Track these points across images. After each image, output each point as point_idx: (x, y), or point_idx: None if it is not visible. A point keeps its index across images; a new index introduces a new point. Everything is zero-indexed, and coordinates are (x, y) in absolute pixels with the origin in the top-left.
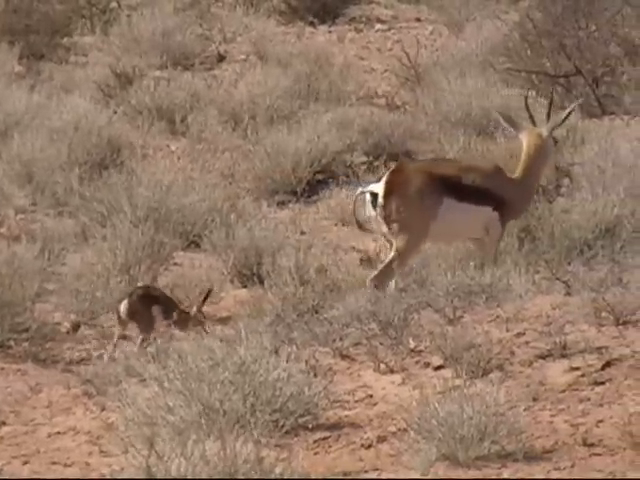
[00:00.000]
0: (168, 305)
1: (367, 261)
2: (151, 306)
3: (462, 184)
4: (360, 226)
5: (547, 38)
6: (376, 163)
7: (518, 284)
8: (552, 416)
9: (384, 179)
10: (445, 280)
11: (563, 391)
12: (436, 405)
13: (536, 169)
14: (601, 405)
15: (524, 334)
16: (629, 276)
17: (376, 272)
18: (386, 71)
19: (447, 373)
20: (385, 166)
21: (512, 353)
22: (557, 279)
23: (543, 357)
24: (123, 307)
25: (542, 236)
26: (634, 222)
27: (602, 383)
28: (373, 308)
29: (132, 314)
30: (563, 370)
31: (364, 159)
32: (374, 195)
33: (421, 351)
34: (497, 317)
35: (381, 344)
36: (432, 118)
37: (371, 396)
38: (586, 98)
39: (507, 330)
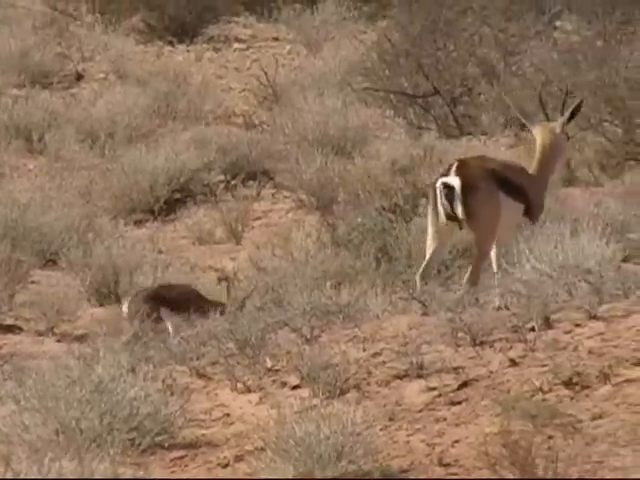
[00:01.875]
0: (182, 304)
1: (225, 280)
2: (158, 307)
3: (509, 181)
4: (449, 216)
5: (405, 58)
6: (234, 182)
7: (375, 304)
8: (408, 436)
9: (455, 172)
10: (302, 299)
11: (420, 411)
12: (293, 424)
13: (550, 164)
14: (457, 425)
15: (381, 354)
16: (485, 296)
17: (467, 274)
18: (244, 90)
19: (304, 392)
20: (243, 185)
21: (369, 373)
22: (414, 299)
23: (400, 377)
24: (125, 306)
25: (399, 256)
26: None
27: (458, 403)
28: (230, 327)
29: (133, 313)
30: (420, 390)
31: (222, 178)
32: (448, 187)
33: (278, 370)
34: (354, 337)
35: (238, 363)
36: (290, 137)
37: (228, 415)
38: (444, 118)
39: (364, 350)
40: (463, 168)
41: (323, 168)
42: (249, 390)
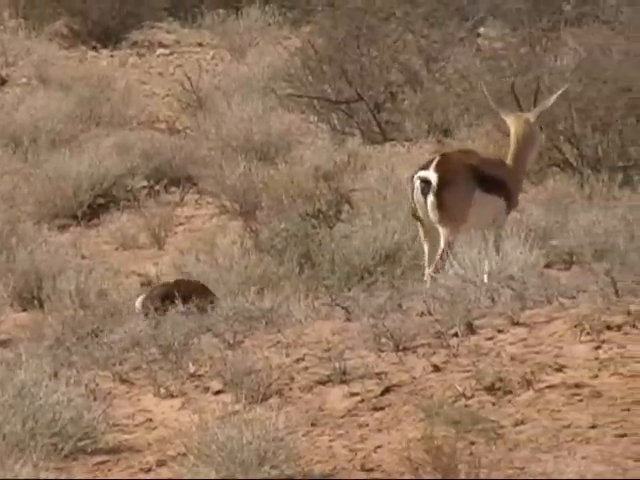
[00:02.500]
0: (194, 300)
1: (148, 285)
2: (171, 304)
3: (489, 176)
4: (415, 215)
5: (329, 64)
6: (157, 187)
7: (298, 309)
8: (331, 441)
9: (434, 167)
10: (225, 305)
11: (342, 416)
12: (216, 430)
13: (525, 155)
14: (380, 431)
15: (304, 359)
16: (409, 302)
17: (433, 266)
18: (168, 95)
19: (227, 398)
20: (166, 190)
21: (292, 378)
22: (337, 305)
23: (322, 383)
24: (138, 302)
25: (322, 262)
26: (414, 248)
27: (381, 409)
28: (153, 332)
29: (147, 310)
30: (342, 395)
31: (145, 183)
32: (425, 182)
33: (201, 376)
34: (277, 342)
35: (161, 368)
36: (213, 143)
37: (151, 420)
38: (367, 124)
39: (287, 355)
40: (443, 164)
41: (246, 174)
42: (172, 395)
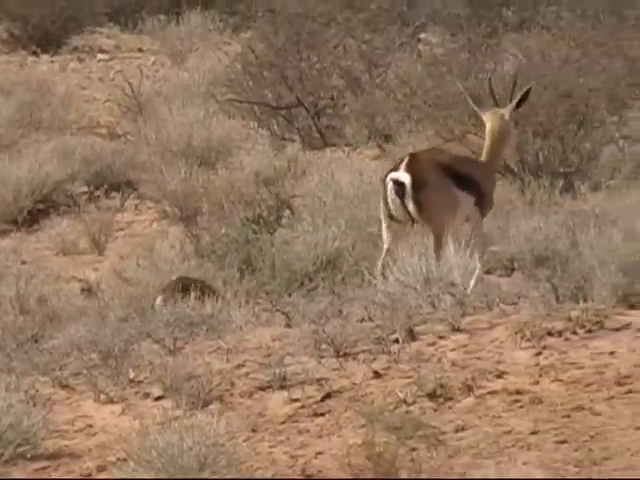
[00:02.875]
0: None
1: (88, 291)
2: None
3: (461, 173)
4: (400, 212)
5: (269, 69)
6: (97, 193)
7: (239, 315)
8: (271, 447)
9: (405, 167)
10: (166, 310)
11: (283, 422)
12: (156, 435)
13: (500, 150)
14: (320, 437)
15: (244, 365)
16: (349, 308)
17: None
18: (108, 101)
19: (167, 404)
20: (107, 196)
21: (232, 384)
22: (277, 310)
23: (263, 388)
24: (160, 299)
25: (263, 267)
26: (354, 254)
27: (322, 415)
28: (94, 338)
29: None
30: (283, 401)
31: (85, 189)
32: (398, 183)
33: (141, 381)
34: (218, 348)
35: (101, 374)
36: (154, 148)
37: (91, 426)
38: (307, 130)
39: (227, 361)
40: (413, 164)
41: (187, 179)
42: (112, 401)
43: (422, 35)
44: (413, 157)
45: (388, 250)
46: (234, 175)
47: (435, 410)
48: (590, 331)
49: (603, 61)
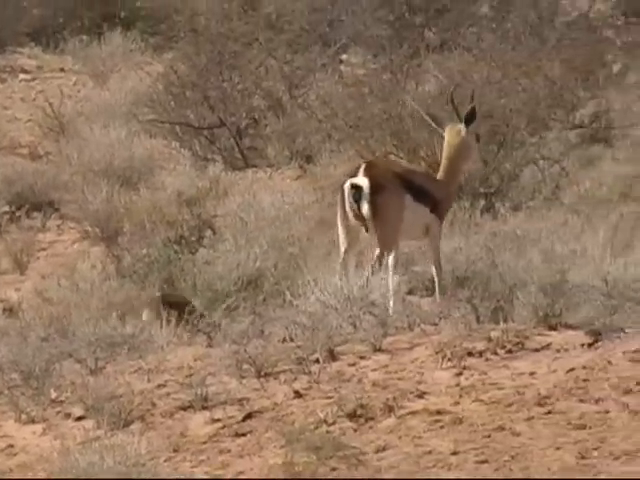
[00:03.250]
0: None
1: (9, 310)
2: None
3: (414, 183)
4: (356, 216)
5: (191, 90)
6: (19, 213)
7: (160, 335)
8: (193, 467)
9: (363, 172)
10: (87, 330)
11: (204, 442)
12: (77, 455)
13: (458, 165)
14: (242, 456)
15: (165, 385)
16: (271, 328)
17: (373, 261)
18: (29, 121)
19: (88, 424)
20: (28, 216)
21: (153, 404)
22: (199, 331)
23: (184, 408)
24: (145, 314)
25: (184, 287)
26: (276, 274)
27: (243, 435)
28: (15, 358)
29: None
30: (204, 421)
31: (6, 209)
32: (356, 187)
33: (63, 401)
34: (139, 368)
35: (22, 394)
36: (76, 168)
37: (12, 446)
38: (230, 150)
39: (149, 381)
40: (371, 169)
41: (109, 199)
42: (33, 421)
43: (344, 56)
44: (370, 163)
45: (344, 256)
46: (156, 195)
47: (356, 430)
48: (510, 351)
49: (524, 82)
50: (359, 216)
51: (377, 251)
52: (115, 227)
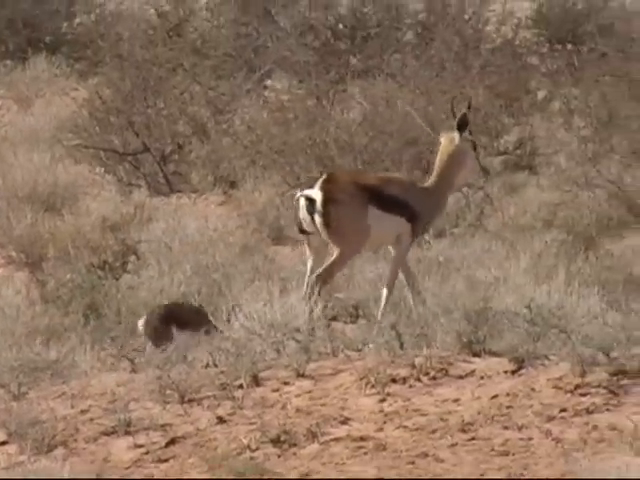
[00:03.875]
0: (191, 322)
1: None
2: (170, 325)
3: (383, 193)
4: (301, 230)
5: (116, 115)
6: None
7: (84, 361)
8: None
9: (319, 186)
10: (10, 355)
11: (127, 468)
12: None
13: (450, 174)
14: None
15: (89, 411)
16: (194, 354)
17: (321, 270)
18: None
19: (11, 449)
20: None
21: (77, 430)
22: (123, 356)
23: (108, 434)
24: (140, 323)
25: (108, 313)
26: (200, 300)
27: (166, 460)
28: None
29: (148, 331)
30: (127, 447)
31: None
32: (310, 200)
33: None
34: (62, 393)
35: None
36: (0, 193)
37: None
38: (154, 176)
39: (72, 407)
40: (328, 182)
41: (33, 224)
42: None
43: (269, 82)
44: (330, 175)
45: (311, 270)
46: (80, 221)
47: (279, 456)
48: (434, 378)
49: (448, 109)
50: (303, 230)
51: (333, 261)
52: (39, 252)
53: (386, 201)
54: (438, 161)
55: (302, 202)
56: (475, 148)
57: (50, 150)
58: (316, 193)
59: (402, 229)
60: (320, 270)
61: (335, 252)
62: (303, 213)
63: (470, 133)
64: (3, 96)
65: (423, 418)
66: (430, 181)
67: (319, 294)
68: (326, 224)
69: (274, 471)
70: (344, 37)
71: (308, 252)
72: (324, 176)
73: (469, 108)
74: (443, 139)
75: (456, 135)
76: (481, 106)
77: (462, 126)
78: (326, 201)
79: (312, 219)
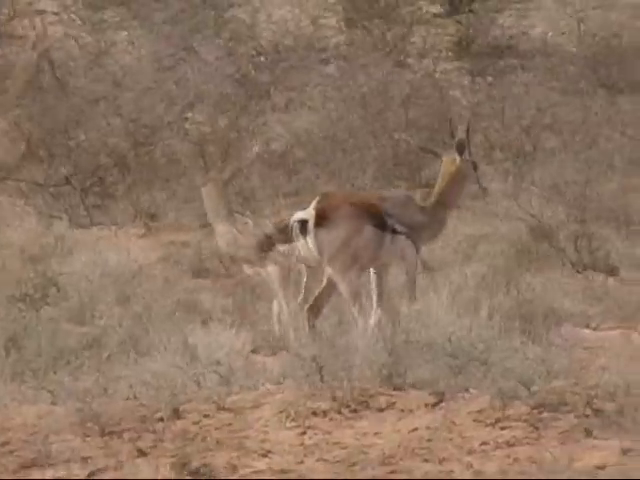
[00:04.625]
0: None
1: None
2: None
3: (380, 213)
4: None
5: (37, 147)
6: None
7: (4, 393)
8: None
9: (313, 206)
10: None
11: None
12: None
13: (451, 194)
14: None
15: (9, 443)
16: (115, 386)
17: (311, 302)
18: None
19: None
20: None
21: None
22: (43, 388)
23: (27, 466)
24: None
25: (29, 345)
26: (121, 332)
27: None
28: None
29: None
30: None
31: None
32: (302, 222)
33: None
34: None
35: None
36: None
37: None
38: (75, 207)
39: None
40: (322, 202)
41: None
42: None
43: (189, 114)
44: (324, 195)
45: (305, 293)
46: (0, 252)
47: None
48: (355, 411)
49: (370, 141)
50: (309, 252)
51: (322, 287)
52: None
53: (382, 219)
54: (439, 182)
55: (295, 225)
56: (475, 169)
57: None
58: (309, 213)
59: (402, 246)
60: (312, 301)
61: (335, 278)
62: (296, 235)
63: (470, 154)
64: None
65: (343, 451)
66: (429, 200)
67: (312, 326)
68: (318, 245)
69: None
70: (265, 69)
71: (305, 273)
72: (319, 196)
73: (468, 130)
74: (445, 159)
75: (457, 157)
76: (401, 141)
77: (461, 148)
78: (319, 221)
79: (305, 242)
